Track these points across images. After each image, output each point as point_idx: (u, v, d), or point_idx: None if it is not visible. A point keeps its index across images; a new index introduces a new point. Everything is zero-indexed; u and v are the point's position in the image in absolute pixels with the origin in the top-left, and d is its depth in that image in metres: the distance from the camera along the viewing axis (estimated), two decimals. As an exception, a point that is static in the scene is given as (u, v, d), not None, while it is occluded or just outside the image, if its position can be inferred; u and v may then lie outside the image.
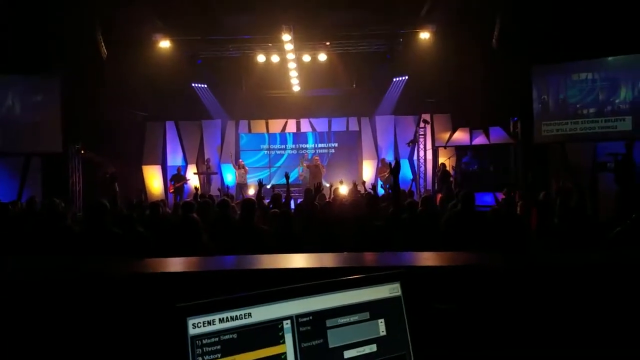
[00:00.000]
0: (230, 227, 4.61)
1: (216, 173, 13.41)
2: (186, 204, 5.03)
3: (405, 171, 13.56)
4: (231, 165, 13.02)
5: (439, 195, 8.99)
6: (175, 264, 1.72)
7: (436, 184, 11.79)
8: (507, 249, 4.04)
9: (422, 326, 1.10)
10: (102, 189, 10.13)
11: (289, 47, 11.63)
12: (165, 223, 5.55)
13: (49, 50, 9.82)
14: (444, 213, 5.79)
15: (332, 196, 8.04)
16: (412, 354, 1.07)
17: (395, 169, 4.09)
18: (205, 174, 13.01)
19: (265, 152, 14.08)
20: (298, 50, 12.04)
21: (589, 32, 9.12)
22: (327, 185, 10.96)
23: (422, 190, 12.09)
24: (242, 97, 13.60)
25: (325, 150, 13.87)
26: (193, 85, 12.95)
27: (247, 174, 12.56)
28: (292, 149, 14.13)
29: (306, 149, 13.90)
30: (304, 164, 12.75)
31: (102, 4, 9.87)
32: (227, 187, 12.73)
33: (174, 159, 13.76)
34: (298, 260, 1.66)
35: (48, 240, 4.48)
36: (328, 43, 12.13)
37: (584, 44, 9.53)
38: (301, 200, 8.37)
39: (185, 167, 13.60)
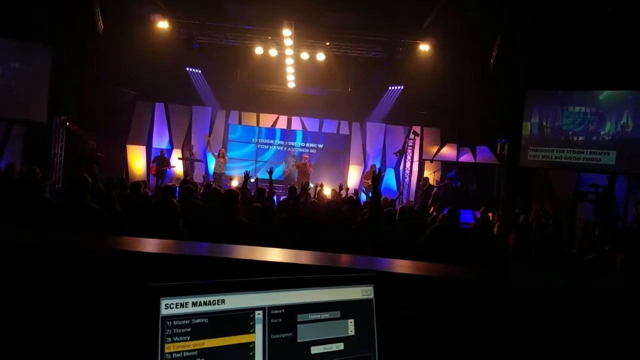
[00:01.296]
0: (211, 216, 4.59)
1: (201, 160, 13.29)
2: (167, 187, 4.99)
3: (390, 181, 13.67)
4: (213, 154, 12.89)
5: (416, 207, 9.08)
6: (153, 245, 1.72)
7: (418, 197, 11.91)
8: (481, 265, 4.13)
9: (389, 330, 1.12)
10: (82, 163, 9.97)
11: (288, 42, 11.60)
12: (144, 204, 5.49)
13: (43, 16, 9.58)
14: (423, 225, 5.87)
15: (316, 196, 8.06)
16: (377, 356, 1.09)
17: (376, 178, 4.16)
18: (189, 160, 12.89)
19: (253, 145, 14.03)
20: (297, 46, 12.02)
21: (584, 64, 9.34)
22: (312, 185, 10.99)
23: (405, 201, 12.19)
24: (235, 87, 13.52)
25: (314, 151, 13.89)
26: (187, 69, 12.80)
27: (226, 164, 12.46)
28: (279, 145, 14.10)
29: (293, 146, 13.88)
30: (294, 164, 12.70)
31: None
32: (212, 175, 12.63)
33: (160, 141, 13.58)
34: (275, 254, 1.67)
35: (25, 209, 4.39)
36: (328, 43, 12.14)
37: (577, 75, 9.76)
38: (284, 197, 8.36)
39: (170, 151, 13.44)
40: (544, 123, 10.70)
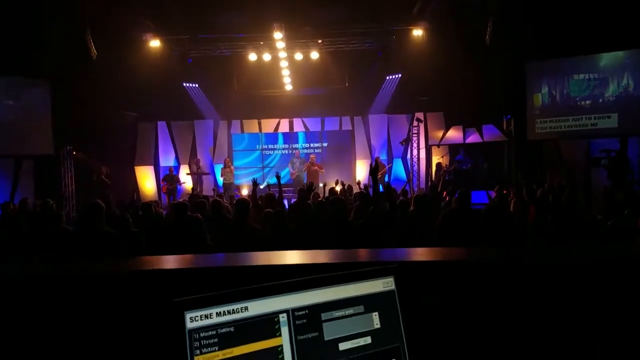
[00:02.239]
0: (224, 227, 4.61)
1: (208, 173, 13.37)
2: (178, 204, 5.02)
3: (399, 170, 13.61)
4: (220, 166, 12.95)
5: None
6: (171, 261, 1.73)
7: (433, 183, 11.82)
8: (500, 246, 4.10)
9: (415, 319, 1.11)
10: (97, 190, 10.10)
11: (280, 45, 11.61)
12: (159, 223, 5.54)
13: (38, 51, 9.71)
14: (436, 211, 5.83)
15: (326, 194, 8.05)
16: (405, 346, 1.09)
17: (373, 170, 4.16)
18: (197, 174, 12.98)
19: (258, 152, 14.07)
20: (290, 48, 12.02)
21: (581, 29, 9.21)
22: (321, 185, 10.98)
23: (415, 189, 12.13)
24: (234, 96, 13.57)
25: (319, 150, 13.88)
26: (184, 84, 12.88)
27: (233, 173, 12.51)
28: (284, 148, 14.13)
29: (298, 148, 13.88)
30: (304, 167, 12.69)
31: (91, 4, 9.80)
32: (221, 187, 12.70)
33: (167, 159, 13.71)
34: (293, 257, 1.67)
35: (44, 241, 4.46)
36: (320, 41, 12.12)
37: (574, 40, 9.63)
38: (295, 200, 8.37)
39: (177, 168, 13.55)
40: (554, 92, 10.61)
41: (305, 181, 12.00)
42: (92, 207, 3.81)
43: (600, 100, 10.13)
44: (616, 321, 1.23)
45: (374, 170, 4.15)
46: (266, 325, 0.99)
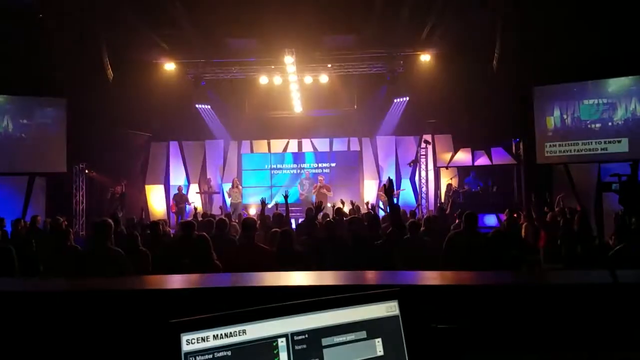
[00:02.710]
0: (231, 246, 4.59)
1: (218, 192, 13.44)
2: (186, 223, 5.03)
3: (408, 192, 13.54)
4: (228, 185, 13.00)
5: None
6: (173, 281, 1.72)
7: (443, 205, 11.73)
8: (506, 269, 4.00)
9: (420, 346, 1.08)
10: (111, 208, 10.19)
11: (291, 69, 11.80)
12: (166, 242, 5.54)
13: (56, 72, 10.01)
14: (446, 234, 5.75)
15: (333, 215, 8.02)
16: (409, 374, 1.05)
17: (388, 188, 4.12)
18: (207, 194, 13.04)
19: (267, 171, 14.13)
20: (300, 72, 12.22)
21: (588, 54, 9.24)
22: (329, 205, 10.94)
23: (425, 211, 12.03)
24: (244, 117, 13.74)
25: (327, 170, 13.89)
26: (197, 106, 13.11)
27: (241, 193, 12.54)
28: (292, 168, 14.17)
29: (306, 168, 13.91)
30: (313, 188, 12.69)
31: (109, 28, 10.10)
32: (227, 207, 12.72)
33: (177, 178, 13.83)
34: (296, 278, 1.65)
35: (52, 258, 4.49)
36: (329, 65, 12.31)
37: (583, 65, 9.66)
38: (302, 219, 8.34)
39: (187, 187, 13.65)
40: (565, 116, 10.61)
41: (314, 202, 11.99)
42: (101, 226, 3.83)
43: (610, 124, 10.11)
44: (625, 344, 1.19)
45: (388, 190, 4.11)
46: (264, 349, 0.96)
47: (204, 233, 4.30)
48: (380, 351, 1.05)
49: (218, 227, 5.12)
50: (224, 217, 6.33)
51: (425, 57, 11.81)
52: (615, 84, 10.13)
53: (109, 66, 11.07)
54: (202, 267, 3.54)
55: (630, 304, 1.27)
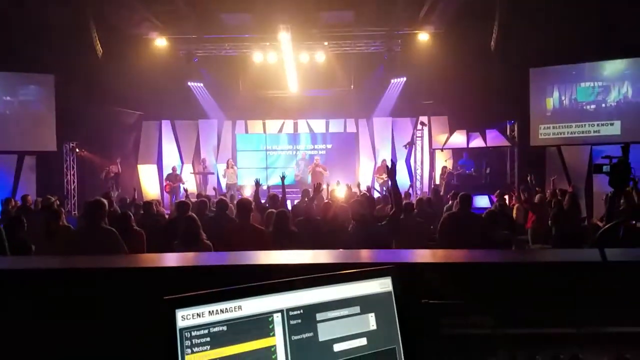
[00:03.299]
0: (227, 227, 4.60)
1: (212, 173, 13.38)
2: (181, 203, 5.02)
3: (402, 173, 13.58)
4: (222, 166, 12.94)
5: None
6: (169, 259, 1.72)
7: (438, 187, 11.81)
8: (498, 248, 4.07)
9: (411, 321, 1.10)
10: (105, 188, 10.11)
11: (286, 46, 11.61)
12: (160, 222, 5.55)
13: (43, 49, 9.76)
14: (440, 215, 5.81)
15: (329, 197, 8.04)
16: (401, 348, 1.07)
17: (391, 171, 4.12)
18: (201, 174, 12.98)
19: (262, 152, 14.07)
20: (296, 50, 12.02)
21: (585, 36, 9.20)
22: (325, 186, 10.96)
23: (419, 192, 12.10)
24: (239, 96, 13.57)
25: (323, 152, 13.87)
26: (189, 84, 12.90)
27: (236, 173, 12.50)
28: (288, 149, 14.12)
29: (302, 150, 13.87)
30: (309, 168, 12.69)
31: (98, 2, 9.83)
32: (221, 188, 12.69)
33: (170, 158, 13.72)
34: (291, 257, 1.66)
35: (44, 238, 4.48)
36: (326, 43, 12.12)
37: (580, 47, 9.62)
38: (297, 200, 8.36)
39: (181, 167, 13.56)
40: (563, 97, 10.64)
41: (309, 182, 12.00)
42: (94, 205, 3.81)
43: (603, 106, 10.16)
44: (612, 321, 1.22)
45: (391, 172, 4.11)
46: (260, 324, 0.97)
47: (191, 213, 4.30)
48: (373, 325, 1.07)
49: (218, 206, 5.11)
50: (224, 198, 6.34)
51: (423, 37, 11.67)
52: (610, 67, 10.14)
53: (98, 42, 10.83)
54: (191, 247, 3.55)
55: (617, 282, 1.29)
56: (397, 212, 4.11)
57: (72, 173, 11.82)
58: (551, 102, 10.75)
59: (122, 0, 9.66)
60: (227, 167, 12.44)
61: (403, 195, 8.12)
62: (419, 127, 12.59)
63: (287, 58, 12.25)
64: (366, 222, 4.10)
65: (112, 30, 10.79)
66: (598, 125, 10.21)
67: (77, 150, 11.83)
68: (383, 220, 4.14)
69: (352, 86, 13.47)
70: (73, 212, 11.15)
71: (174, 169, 12.63)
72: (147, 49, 11.85)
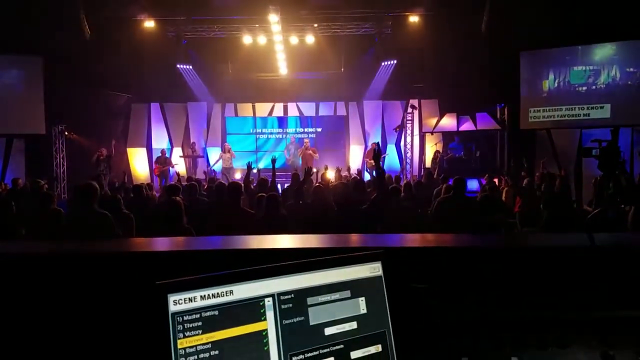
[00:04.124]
0: (217, 210, 4.60)
1: (202, 156, 13.29)
2: (171, 186, 5.00)
3: (392, 157, 13.62)
4: (218, 150, 12.87)
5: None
6: (160, 244, 1.72)
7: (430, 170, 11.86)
8: (491, 232, 4.13)
9: (401, 304, 1.12)
10: (95, 171, 10.00)
11: (276, 28, 11.44)
12: (149, 205, 5.52)
13: (30, 30, 9.51)
14: (429, 199, 5.85)
15: (319, 181, 8.05)
16: (391, 332, 1.10)
17: (376, 155, 4.13)
18: (191, 157, 12.89)
19: (252, 136, 13.98)
20: (285, 32, 11.86)
21: (576, 19, 9.19)
22: (315, 170, 10.96)
23: (409, 176, 12.16)
24: (228, 79, 13.42)
25: (313, 135, 13.82)
26: (178, 66, 12.70)
27: (232, 158, 12.45)
28: (278, 133, 14.05)
29: (292, 133, 13.80)
30: (299, 152, 12.65)
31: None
32: (213, 171, 12.63)
33: (159, 141, 13.59)
34: (282, 241, 1.67)
35: (35, 221, 4.44)
36: (316, 25, 11.97)
37: (571, 30, 9.61)
38: (288, 184, 8.36)
39: (170, 150, 13.45)
40: (541, 83, 10.66)
41: (300, 165, 11.99)
42: (86, 189, 3.77)
43: (594, 88, 10.21)
44: (598, 305, 1.25)
45: (376, 156, 4.13)
46: (251, 309, 0.98)
47: (177, 197, 4.27)
48: (363, 309, 1.09)
49: (217, 191, 5.09)
50: (222, 181, 6.32)
51: (413, 19, 11.56)
52: (599, 50, 10.17)
53: (86, 23, 10.55)
54: (173, 232, 3.54)
55: (605, 266, 1.32)
56: (378, 196, 4.13)
57: (61, 156, 11.67)
58: (540, 85, 10.78)
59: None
60: (224, 152, 12.37)
61: (393, 179, 8.19)
62: (409, 110, 12.57)
63: (276, 40, 12.09)
64: (347, 205, 4.13)
65: (101, 12, 10.54)
66: (588, 108, 10.28)
67: (67, 133, 11.65)
68: (365, 204, 4.17)
69: (342, 69, 13.37)
70: (63, 196, 11.03)
71: (162, 152, 12.52)
72: (135, 31, 11.62)
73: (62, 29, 9.77)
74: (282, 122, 14.10)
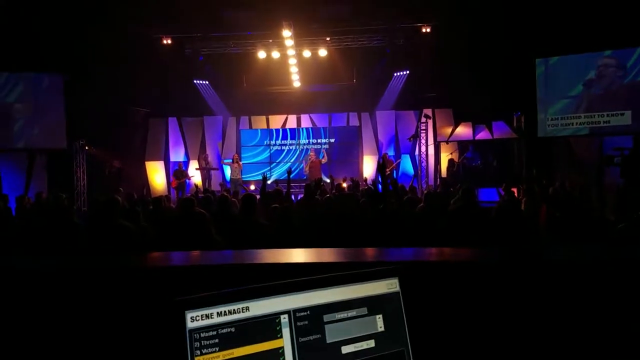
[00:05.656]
0: (231, 222, 4.62)
1: (217, 169, 13.45)
2: (186, 199, 5.04)
3: (407, 167, 13.53)
4: (228, 161, 12.97)
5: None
6: (175, 258, 1.73)
7: (446, 180, 11.72)
8: (510, 245, 4.03)
9: (420, 322, 1.09)
10: (109, 184, 10.22)
11: (289, 43, 11.59)
12: (169, 217, 5.57)
13: (52, 47, 9.85)
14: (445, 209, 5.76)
15: (333, 191, 8.03)
16: (410, 350, 1.07)
17: (380, 167, 4.10)
18: (206, 170, 13.05)
19: (266, 147, 14.09)
20: (298, 46, 12.00)
21: (593, 25, 9.06)
22: (328, 180, 10.94)
23: (424, 186, 12.05)
24: (243, 93, 13.60)
25: (327, 146, 13.83)
26: (195, 81, 12.95)
27: (241, 169, 12.53)
28: (291, 144, 14.12)
29: (305, 144, 13.84)
30: (306, 166, 12.66)
31: (106, 2, 9.87)
32: (227, 182, 12.75)
33: (176, 154, 13.81)
34: (298, 255, 1.66)
35: (55, 235, 4.52)
36: (328, 38, 12.09)
37: (588, 36, 9.49)
38: (302, 196, 8.36)
39: (187, 163, 13.64)
40: (560, 90, 10.50)
41: (308, 177, 11.98)
42: (109, 202, 3.85)
43: (613, 94, 10.00)
44: (623, 323, 1.20)
45: (381, 167, 4.11)
46: (267, 326, 0.97)
47: (202, 210, 4.31)
48: (381, 327, 1.07)
49: (219, 203, 5.14)
50: (224, 193, 6.35)
51: (425, 29, 11.57)
52: (617, 55, 9.98)
53: (106, 41, 10.86)
54: (202, 244, 3.57)
55: (629, 280, 1.28)
56: (394, 207, 4.09)
57: (82, 170, 11.95)
58: (557, 92, 10.61)
59: (129, 0, 9.70)
60: (233, 162, 12.48)
61: (408, 189, 8.12)
62: (423, 119, 12.51)
63: (289, 54, 12.24)
64: (349, 218, 4.09)
65: (120, 29, 10.84)
66: (608, 115, 10.06)
67: (87, 147, 11.95)
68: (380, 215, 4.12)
69: (354, 80, 13.41)
70: (83, 209, 11.26)
71: (179, 165, 12.70)
72: (154, 48, 11.92)
73: (82, 45, 10.08)
74: (295, 133, 14.18)
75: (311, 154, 12.62)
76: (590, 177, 9.48)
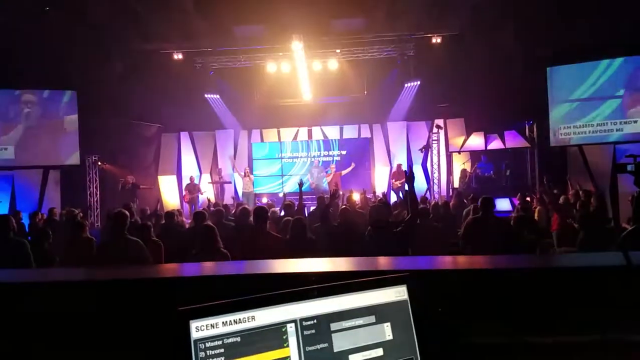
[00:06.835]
0: (243, 234, 4.63)
1: (229, 182, 13.51)
2: (197, 213, 5.08)
3: (419, 178, 13.45)
4: (239, 174, 13.05)
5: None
6: (184, 269, 1.74)
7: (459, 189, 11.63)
8: (525, 253, 3.96)
9: (429, 330, 1.07)
10: (123, 199, 10.34)
11: (299, 55, 11.69)
12: (180, 232, 5.61)
13: (65, 64, 10.09)
14: (458, 220, 5.70)
15: (345, 203, 8.00)
16: (419, 359, 1.05)
17: (409, 178, 4.06)
18: (218, 183, 13.12)
19: (277, 160, 14.14)
20: (308, 58, 12.09)
21: (603, 33, 9.00)
22: (341, 192, 10.92)
23: (437, 196, 11.95)
24: (254, 106, 13.72)
25: (338, 158, 13.85)
26: (206, 96, 13.12)
27: (252, 182, 12.57)
28: (303, 157, 14.16)
29: (316, 157, 13.87)
30: (325, 178, 12.67)
31: (116, 19, 10.11)
32: (238, 197, 12.80)
33: (189, 168, 13.93)
34: (307, 264, 1.65)
35: (69, 249, 4.59)
36: (338, 50, 12.16)
37: (599, 44, 9.41)
38: (314, 207, 8.34)
39: (199, 177, 13.75)
40: (571, 98, 10.40)
41: (326, 189, 11.96)
42: (118, 216, 3.91)
43: (626, 101, 9.88)
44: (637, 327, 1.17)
45: (409, 179, 4.06)
46: (273, 335, 0.96)
47: (209, 222, 4.34)
48: (389, 335, 1.05)
49: (241, 215, 5.15)
50: (246, 206, 6.40)
51: (436, 40, 11.59)
52: (631, 64, 9.89)
53: (118, 57, 11.10)
54: (209, 256, 3.59)
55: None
56: (413, 218, 4.06)
57: (94, 186, 12.11)
58: (569, 100, 10.51)
59: (139, 16, 9.90)
60: (244, 176, 12.54)
61: (420, 200, 8.06)
62: (435, 130, 12.46)
63: (300, 67, 12.33)
64: (383, 228, 4.06)
65: (132, 46, 11.08)
66: (621, 123, 9.94)
67: (99, 163, 12.12)
68: (399, 226, 4.09)
69: (365, 92, 13.45)
70: (96, 224, 11.39)
71: (191, 179, 12.79)
72: (164, 63, 12.11)
73: (94, 62, 10.31)
74: (307, 145, 14.23)
75: (332, 166, 12.67)
76: (603, 185, 9.32)
